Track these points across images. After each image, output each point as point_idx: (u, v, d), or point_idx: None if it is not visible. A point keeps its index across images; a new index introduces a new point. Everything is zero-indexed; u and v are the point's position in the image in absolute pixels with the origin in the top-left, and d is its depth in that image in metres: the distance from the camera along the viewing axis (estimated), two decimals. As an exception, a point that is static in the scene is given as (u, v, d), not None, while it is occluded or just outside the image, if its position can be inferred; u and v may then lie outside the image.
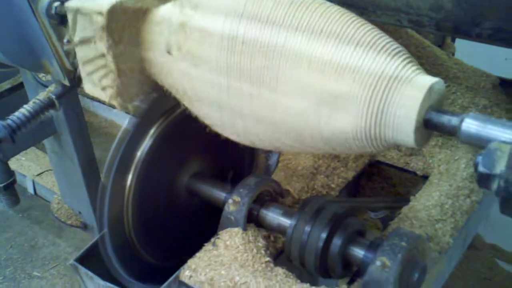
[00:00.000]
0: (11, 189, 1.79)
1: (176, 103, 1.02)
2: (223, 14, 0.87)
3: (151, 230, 1.19)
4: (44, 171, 2.03)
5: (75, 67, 1.08)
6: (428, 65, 1.44)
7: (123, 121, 1.05)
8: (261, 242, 1.10)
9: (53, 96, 1.18)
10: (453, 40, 1.80)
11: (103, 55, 0.95)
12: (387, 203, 1.37)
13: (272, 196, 1.18)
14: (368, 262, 0.98)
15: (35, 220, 2.54)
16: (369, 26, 0.81)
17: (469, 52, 1.75)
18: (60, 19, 1.04)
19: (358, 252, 1.02)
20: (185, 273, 1.07)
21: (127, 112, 1.05)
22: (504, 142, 0.70)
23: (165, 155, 1.15)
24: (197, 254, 1.08)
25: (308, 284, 1.01)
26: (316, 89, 0.80)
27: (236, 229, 1.09)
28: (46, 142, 1.55)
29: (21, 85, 1.81)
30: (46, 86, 1.24)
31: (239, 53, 0.85)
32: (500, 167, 0.67)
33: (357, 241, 1.03)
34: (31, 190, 2.02)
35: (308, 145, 0.87)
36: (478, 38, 1.12)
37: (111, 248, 1.09)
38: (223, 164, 1.33)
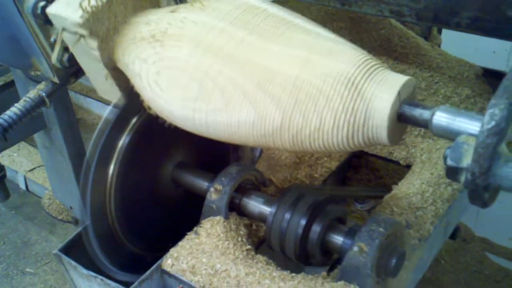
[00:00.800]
0: (1, 183, 1.80)
1: None
2: None
3: (135, 220, 1.19)
4: (36, 167, 2.04)
5: (63, 65, 1.09)
6: (411, 55, 1.45)
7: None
8: (243, 231, 1.11)
9: (44, 94, 1.18)
10: (440, 32, 1.81)
11: None
12: (368, 192, 1.37)
13: (255, 185, 1.19)
14: (346, 248, 0.99)
15: (28, 217, 2.56)
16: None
17: (457, 45, 1.76)
18: (46, 18, 1.06)
19: (337, 238, 1.03)
20: (167, 261, 1.08)
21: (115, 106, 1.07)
22: (471, 134, 0.71)
23: (148, 146, 1.16)
24: (180, 243, 1.09)
25: (288, 271, 1.01)
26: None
27: (217, 218, 1.10)
28: (37, 137, 1.56)
29: (13, 82, 1.82)
30: (37, 82, 1.25)
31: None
32: (466, 161, 0.68)
33: (337, 228, 1.04)
34: (22, 186, 2.03)
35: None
36: (457, 27, 1.13)
37: (94, 238, 1.10)
38: (209, 155, 1.33)
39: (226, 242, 1.07)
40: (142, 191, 1.21)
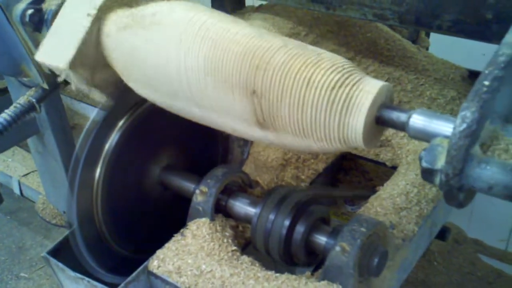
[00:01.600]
0: (-6, 188, 1.81)
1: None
2: None
3: (122, 222, 1.20)
4: (30, 172, 2.05)
5: (53, 71, 1.11)
6: (397, 58, 1.46)
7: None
8: (228, 232, 1.12)
9: (34, 100, 1.20)
10: (428, 35, 1.82)
11: None
12: (354, 192, 1.39)
13: (241, 187, 1.20)
14: (329, 249, 1.00)
15: (23, 222, 2.57)
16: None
17: (446, 48, 1.77)
18: (35, 26, 1.07)
19: (321, 239, 1.04)
20: (154, 263, 1.09)
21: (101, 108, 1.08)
22: (446, 137, 0.73)
23: (135, 148, 1.17)
24: (166, 245, 1.10)
25: (273, 272, 1.02)
26: None
27: (203, 219, 1.11)
28: (30, 141, 1.57)
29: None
30: (30, 87, 1.26)
31: None
32: (441, 162, 0.69)
33: (320, 228, 1.05)
34: (17, 191, 2.04)
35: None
36: (439, 30, 1.15)
37: (82, 240, 1.11)
38: (196, 157, 1.35)
39: (212, 244, 1.08)
40: (130, 193, 1.22)
